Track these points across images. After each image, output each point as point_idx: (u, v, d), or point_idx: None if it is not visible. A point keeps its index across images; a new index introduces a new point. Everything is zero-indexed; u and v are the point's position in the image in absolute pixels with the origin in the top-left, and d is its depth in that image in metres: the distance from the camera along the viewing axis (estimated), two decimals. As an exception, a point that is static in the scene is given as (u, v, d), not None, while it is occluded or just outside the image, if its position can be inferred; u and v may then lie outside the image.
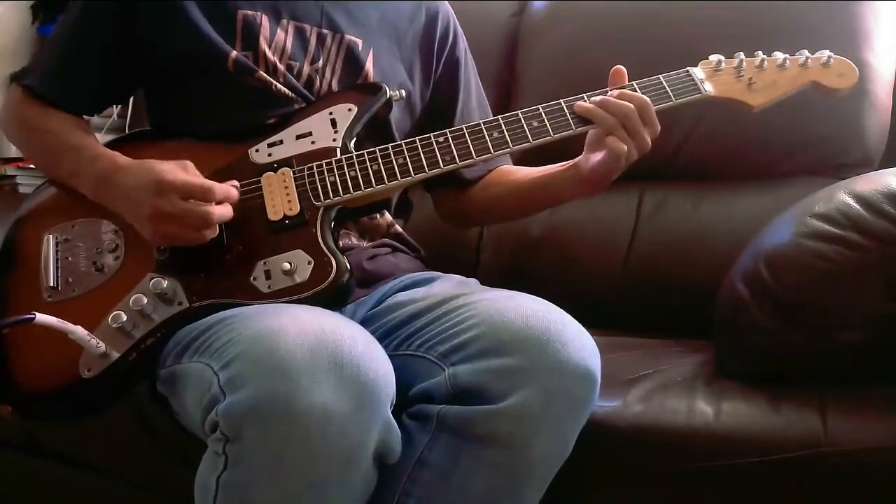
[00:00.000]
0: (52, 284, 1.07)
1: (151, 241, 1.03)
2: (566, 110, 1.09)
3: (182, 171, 1.01)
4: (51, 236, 1.11)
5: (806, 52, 1.14)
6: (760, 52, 1.14)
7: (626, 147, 1.06)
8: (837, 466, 0.96)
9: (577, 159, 1.13)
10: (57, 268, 1.08)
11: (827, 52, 1.14)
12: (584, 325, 0.97)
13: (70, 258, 1.09)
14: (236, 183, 1.06)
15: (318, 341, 0.85)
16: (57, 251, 1.09)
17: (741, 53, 1.14)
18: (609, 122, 1.06)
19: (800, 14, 1.47)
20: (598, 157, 1.09)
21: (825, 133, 1.45)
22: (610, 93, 1.09)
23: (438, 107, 1.30)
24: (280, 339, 0.84)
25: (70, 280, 1.07)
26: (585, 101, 1.09)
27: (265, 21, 1.16)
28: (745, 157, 1.49)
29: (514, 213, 1.41)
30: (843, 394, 1.00)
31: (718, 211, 1.47)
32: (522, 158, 1.31)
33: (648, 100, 1.07)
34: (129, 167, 1.05)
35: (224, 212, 1.02)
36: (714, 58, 1.14)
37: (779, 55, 1.14)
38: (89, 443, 1.20)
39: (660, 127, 1.08)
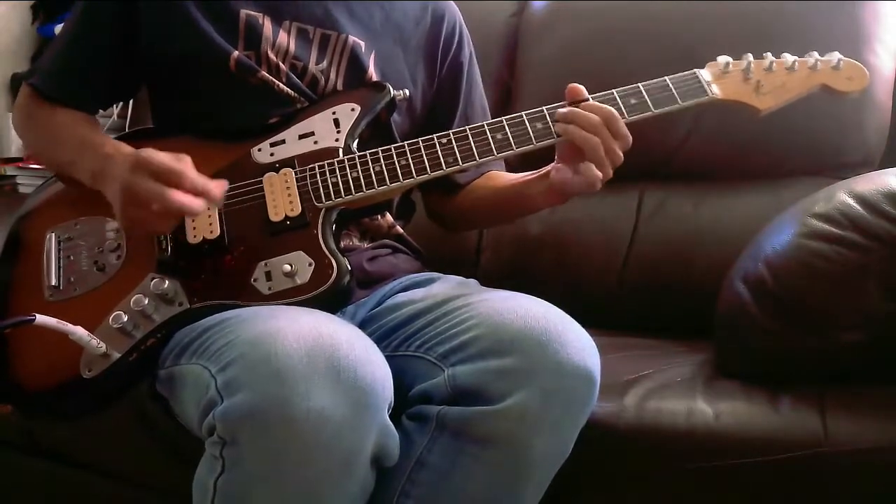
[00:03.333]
0: (53, 283, 1.07)
1: (121, 224, 1.02)
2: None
3: (168, 156, 0.97)
4: (53, 234, 1.11)
5: (816, 55, 1.11)
6: (769, 54, 1.11)
7: (600, 175, 1.02)
8: (837, 466, 0.96)
9: (548, 169, 1.10)
10: (59, 266, 1.08)
11: (837, 55, 1.11)
12: (584, 325, 0.97)
13: (72, 257, 1.09)
14: (225, 184, 1.02)
15: (315, 345, 0.85)
16: (59, 250, 1.10)
17: (749, 55, 1.11)
18: (591, 141, 1.02)
19: (800, 13, 1.47)
20: (570, 174, 1.04)
21: (825, 133, 1.45)
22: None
23: (440, 109, 1.29)
24: (277, 343, 0.84)
25: (72, 279, 1.07)
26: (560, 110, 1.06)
27: (267, 22, 1.16)
28: (745, 157, 1.49)
29: (487, 221, 1.40)
30: (843, 394, 1.00)
31: (718, 211, 1.47)
32: (521, 163, 1.31)
33: (615, 111, 1.04)
34: (123, 153, 1.03)
35: (190, 202, 0.96)
36: (722, 59, 1.11)
37: (788, 57, 1.11)
38: (89, 443, 1.20)
39: (631, 139, 1.04)
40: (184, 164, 0.97)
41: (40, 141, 1.21)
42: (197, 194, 0.97)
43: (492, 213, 1.28)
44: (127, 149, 1.04)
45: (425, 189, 1.32)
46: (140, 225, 1.00)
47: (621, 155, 1.04)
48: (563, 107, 1.07)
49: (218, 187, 0.99)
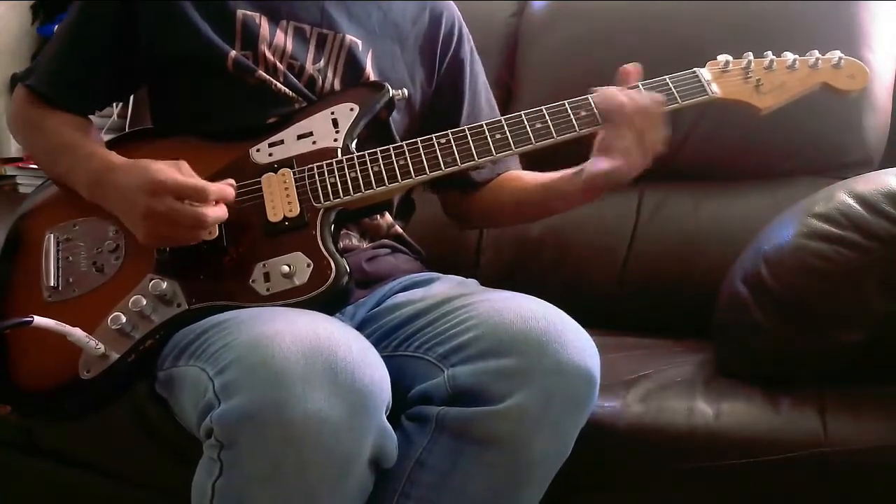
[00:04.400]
0: (52, 284, 1.07)
1: (144, 241, 1.02)
2: (570, 112, 1.07)
3: (176, 172, 1.00)
4: (52, 235, 1.11)
5: (816, 53, 1.11)
6: (770, 53, 1.11)
7: (632, 151, 1.03)
8: (837, 466, 0.96)
9: (582, 165, 1.09)
10: (58, 267, 1.08)
11: (838, 53, 1.10)
12: (583, 325, 0.97)
13: (71, 258, 1.09)
14: (232, 182, 1.05)
15: (313, 347, 0.84)
16: (58, 250, 1.10)
17: (750, 54, 1.11)
18: (628, 116, 1.03)
19: (799, 13, 1.47)
20: (603, 164, 1.05)
21: (825, 133, 1.45)
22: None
23: (443, 108, 1.29)
24: (275, 345, 0.84)
25: (70, 280, 1.07)
26: (590, 101, 1.07)
27: (264, 22, 1.16)
28: (745, 157, 1.49)
29: (512, 219, 1.40)
30: (843, 394, 1.00)
31: (718, 211, 1.47)
32: (529, 163, 1.30)
33: (661, 97, 1.05)
34: (122, 166, 1.05)
35: (218, 213, 1.01)
36: (722, 58, 1.11)
37: (788, 56, 1.11)
38: (89, 443, 1.19)
39: (667, 131, 1.05)
40: (205, 183, 1.00)
41: (35, 149, 1.21)
42: (218, 201, 1.01)
43: (517, 211, 1.28)
44: (129, 167, 1.03)
45: (441, 188, 1.32)
46: (168, 241, 1.02)
47: (658, 146, 1.04)
48: (560, 106, 1.07)
49: (230, 188, 1.03)
